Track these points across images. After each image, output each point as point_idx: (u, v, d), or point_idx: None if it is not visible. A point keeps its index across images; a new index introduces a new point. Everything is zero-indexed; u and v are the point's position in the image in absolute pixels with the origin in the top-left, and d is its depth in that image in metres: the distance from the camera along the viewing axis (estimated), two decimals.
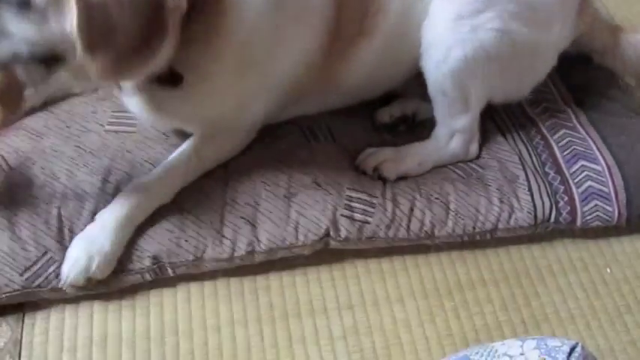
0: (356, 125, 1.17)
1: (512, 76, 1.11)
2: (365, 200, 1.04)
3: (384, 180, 1.09)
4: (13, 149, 1.04)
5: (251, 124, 1.07)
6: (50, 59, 0.80)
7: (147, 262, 0.95)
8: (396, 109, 1.18)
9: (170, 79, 0.90)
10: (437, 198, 1.07)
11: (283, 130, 1.11)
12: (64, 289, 0.92)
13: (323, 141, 1.13)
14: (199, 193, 1.02)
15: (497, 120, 1.23)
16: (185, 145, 1.04)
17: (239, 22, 0.90)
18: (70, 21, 0.74)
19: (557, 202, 1.11)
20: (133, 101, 0.99)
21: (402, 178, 1.10)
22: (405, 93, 1.20)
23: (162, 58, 0.83)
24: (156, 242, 0.96)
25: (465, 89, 1.07)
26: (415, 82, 1.13)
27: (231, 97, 0.99)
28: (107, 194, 0.98)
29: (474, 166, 1.14)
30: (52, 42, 0.78)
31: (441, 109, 1.11)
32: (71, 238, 0.94)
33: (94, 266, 0.91)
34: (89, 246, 0.92)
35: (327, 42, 1.01)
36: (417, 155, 1.12)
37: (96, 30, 0.74)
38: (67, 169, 1.01)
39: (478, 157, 1.17)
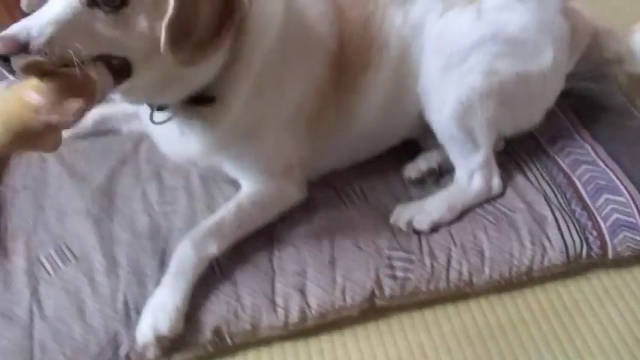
0: (386, 184, 1.24)
1: (514, 108, 1.17)
2: (404, 258, 1.10)
3: (419, 233, 1.15)
4: (77, 237, 1.12)
5: (284, 166, 1.11)
6: (118, 69, 0.85)
7: (208, 335, 1.02)
8: (422, 163, 1.25)
9: (203, 99, 0.98)
10: (472, 247, 1.12)
11: (320, 195, 1.18)
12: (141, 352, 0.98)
13: (358, 203, 1.20)
14: (249, 265, 1.09)
15: (520, 162, 1.29)
16: (232, 200, 1.11)
17: (257, 45, 0.98)
18: (161, 19, 0.82)
19: (587, 238, 1.15)
20: (166, 133, 1.06)
21: (436, 230, 1.15)
22: (427, 146, 1.26)
23: (219, 57, 0.93)
24: (215, 314, 1.03)
25: (469, 130, 1.14)
26: (433, 134, 1.19)
27: (250, 122, 1.04)
28: None
29: (503, 209, 1.19)
30: (130, 42, 0.83)
31: (454, 153, 1.18)
32: (137, 320, 1.01)
33: (160, 324, 0.98)
34: (153, 307, 1.00)
35: (334, 72, 1.08)
36: (444, 202, 1.17)
37: (182, 24, 0.82)
38: (128, 254, 1.09)
39: (503, 195, 1.22)
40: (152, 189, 1.22)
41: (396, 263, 1.09)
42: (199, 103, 0.99)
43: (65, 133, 1.28)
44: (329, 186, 1.21)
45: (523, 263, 1.12)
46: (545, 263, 1.13)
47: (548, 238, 1.14)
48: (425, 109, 1.14)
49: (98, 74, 0.81)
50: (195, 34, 0.84)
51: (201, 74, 0.94)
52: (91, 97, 0.79)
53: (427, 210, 1.16)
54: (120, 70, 0.86)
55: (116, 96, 0.98)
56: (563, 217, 1.17)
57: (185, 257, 1.02)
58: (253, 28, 0.97)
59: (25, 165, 1.26)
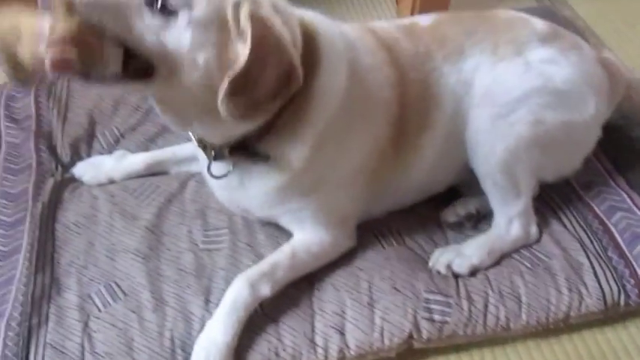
0: (423, 226, 1.27)
1: (556, 155, 1.21)
2: (441, 301, 1.12)
3: (457, 276, 1.17)
4: (126, 275, 1.17)
5: (340, 219, 1.15)
6: (139, 70, 0.89)
7: None
8: (460, 208, 1.27)
9: (260, 156, 1.03)
10: (509, 292, 1.14)
11: (358, 237, 1.21)
12: None
13: (395, 245, 1.23)
14: (290, 305, 1.12)
15: (555, 208, 1.30)
16: (285, 244, 1.15)
17: (321, 111, 1.03)
18: (206, 52, 0.86)
19: (624, 286, 1.16)
20: (224, 183, 1.11)
21: (474, 274, 1.17)
22: (467, 192, 1.29)
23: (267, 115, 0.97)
24: (257, 353, 1.06)
25: (513, 177, 1.17)
26: (474, 180, 1.22)
27: (310, 180, 1.08)
28: (210, 313, 1.09)
29: (539, 255, 1.21)
30: (160, 50, 0.86)
31: (495, 199, 1.21)
32: (183, 357, 1.05)
33: (211, 358, 1.01)
34: (206, 342, 1.03)
35: (395, 132, 1.12)
36: (483, 247, 1.20)
37: (247, 81, 0.86)
38: (174, 292, 1.14)
39: (539, 241, 1.24)
40: (197, 227, 1.27)
41: (434, 306, 1.11)
42: (253, 158, 1.04)
43: (118, 175, 1.37)
44: (367, 228, 1.23)
45: (560, 309, 1.13)
46: (583, 310, 1.13)
47: (585, 285, 1.15)
48: (472, 157, 1.17)
49: (110, 53, 0.84)
50: (254, 94, 0.88)
51: (235, 124, 0.96)
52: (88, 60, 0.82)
53: (467, 254, 1.18)
54: (140, 69, 0.89)
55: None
56: (599, 264, 1.18)
57: (239, 296, 1.05)
58: (318, 95, 1.02)
59: (76, 203, 1.33)
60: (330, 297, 1.13)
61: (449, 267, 1.16)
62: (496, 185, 1.18)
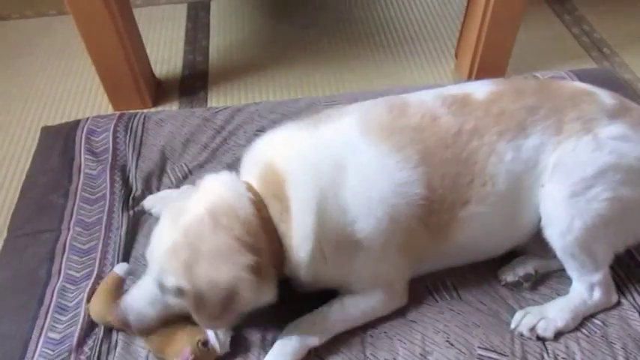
0: (479, 281, 1.27)
1: (630, 228, 1.21)
2: (495, 359, 1.12)
3: (543, 340, 1.16)
4: None
5: (385, 282, 1.17)
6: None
7: None
8: (518, 268, 1.27)
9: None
10: (564, 358, 1.13)
11: (411, 290, 1.23)
12: None
13: (448, 298, 1.24)
14: (342, 349, 1.15)
15: (613, 275, 1.28)
16: (337, 298, 1.18)
17: (296, 254, 1.08)
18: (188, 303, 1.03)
19: None
20: None
21: (557, 337, 1.16)
22: (524, 251, 1.29)
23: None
24: None
25: (591, 251, 1.17)
26: (533, 240, 1.23)
27: (336, 273, 1.13)
28: (265, 352, 1.13)
29: (596, 322, 1.20)
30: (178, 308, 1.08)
31: (573, 270, 1.21)
32: None
33: None
34: None
35: (425, 213, 1.12)
36: (567, 311, 1.19)
37: (199, 305, 1.02)
38: None
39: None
40: None
41: None
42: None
43: None
44: (420, 280, 1.25)
45: None
46: None
47: None
48: (546, 230, 1.16)
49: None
50: (206, 314, 1.03)
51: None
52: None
53: (550, 317, 1.17)
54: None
55: None
56: None
57: (288, 342, 1.10)
58: (293, 233, 1.07)
59: (146, 235, 1.40)
60: (382, 344, 1.15)
61: (533, 330, 1.16)
62: (574, 258, 1.17)
